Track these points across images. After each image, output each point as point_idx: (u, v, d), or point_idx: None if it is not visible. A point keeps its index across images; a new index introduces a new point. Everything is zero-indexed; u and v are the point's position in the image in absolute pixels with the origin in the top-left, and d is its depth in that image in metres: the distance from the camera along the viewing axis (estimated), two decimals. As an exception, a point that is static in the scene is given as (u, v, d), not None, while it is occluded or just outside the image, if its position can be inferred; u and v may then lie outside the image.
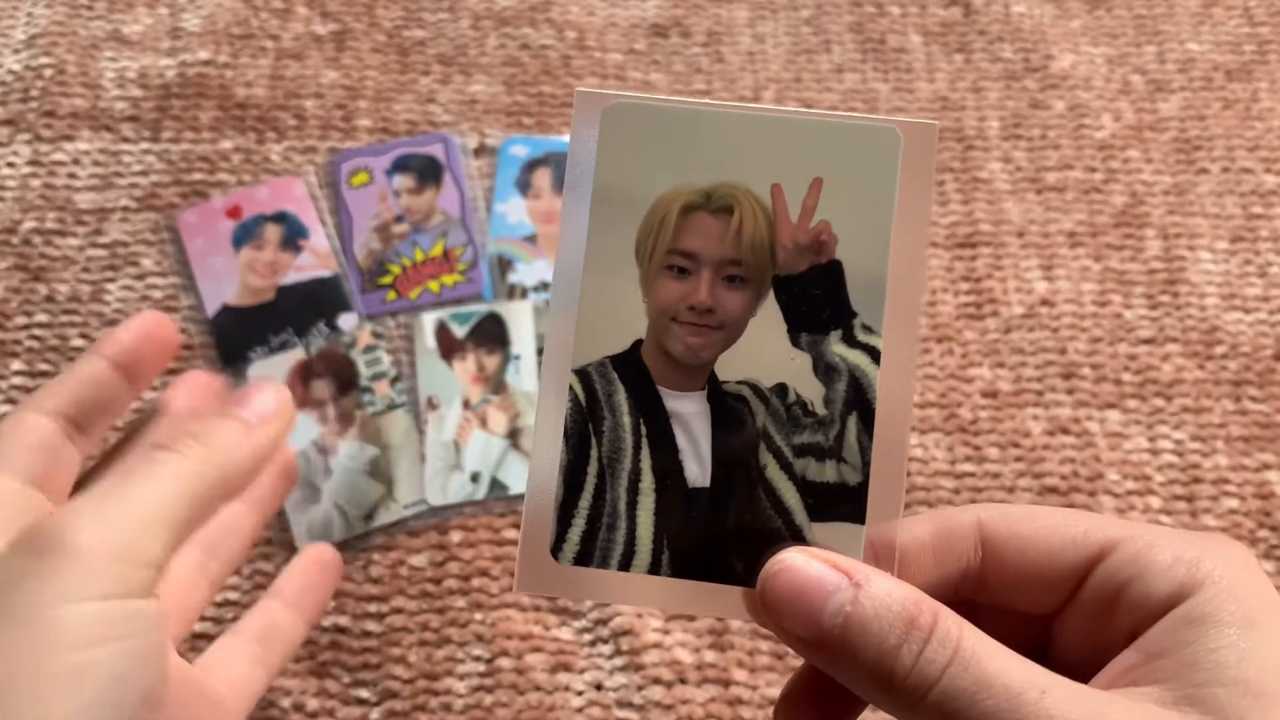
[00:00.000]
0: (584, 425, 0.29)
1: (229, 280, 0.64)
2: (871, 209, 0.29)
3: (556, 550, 0.28)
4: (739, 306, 0.29)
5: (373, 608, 0.55)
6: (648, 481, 0.29)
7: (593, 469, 0.29)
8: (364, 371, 0.61)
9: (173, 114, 0.69)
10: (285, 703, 0.53)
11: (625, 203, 0.29)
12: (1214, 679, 0.25)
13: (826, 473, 0.28)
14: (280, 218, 0.66)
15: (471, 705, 0.53)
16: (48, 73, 0.70)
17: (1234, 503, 0.58)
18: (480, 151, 0.68)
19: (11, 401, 0.60)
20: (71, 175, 0.67)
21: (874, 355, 0.28)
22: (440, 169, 0.67)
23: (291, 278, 0.64)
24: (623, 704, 0.53)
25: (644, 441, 0.29)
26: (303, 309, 0.63)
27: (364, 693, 0.53)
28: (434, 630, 0.54)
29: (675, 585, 0.28)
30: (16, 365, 0.61)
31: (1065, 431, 0.60)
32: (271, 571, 0.56)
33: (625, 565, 0.28)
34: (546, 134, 0.69)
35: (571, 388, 0.29)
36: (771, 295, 0.29)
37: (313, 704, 0.53)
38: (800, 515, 0.28)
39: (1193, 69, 0.72)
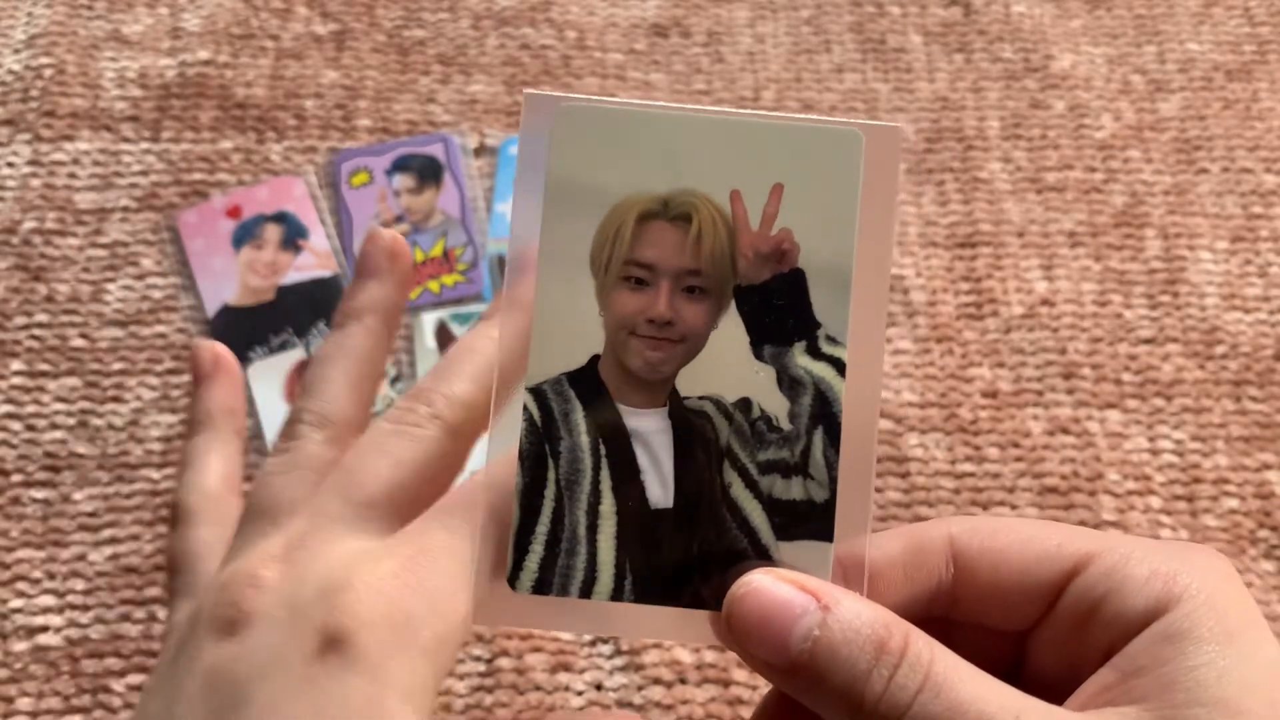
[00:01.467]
0: (540, 446, 0.27)
1: (229, 280, 0.64)
2: (834, 215, 0.28)
3: (514, 579, 0.27)
4: (699, 319, 0.28)
5: (373, 608, 0.55)
6: (608, 504, 0.27)
7: (550, 492, 0.27)
8: (364, 371, 0.61)
9: (173, 114, 0.69)
10: (285, 703, 0.53)
11: (579, 211, 0.28)
12: (1193, 698, 0.24)
13: (793, 490, 0.27)
14: (280, 218, 0.66)
15: (471, 705, 0.53)
16: (48, 73, 0.70)
17: (1234, 503, 0.58)
18: (480, 151, 0.68)
19: (11, 401, 0.60)
20: (71, 175, 0.67)
21: (839, 367, 0.27)
22: (440, 169, 0.67)
23: (291, 278, 0.64)
24: (623, 704, 0.53)
25: (603, 462, 0.28)
26: (303, 309, 0.63)
27: (364, 693, 0.53)
28: (434, 630, 0.54)
29: (639, 611, 0.27)
30: (16, 365, 0.61)
31: (1065, 431, 0.60)
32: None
33: (586, 592, 0.27)
34: (546, 134, 0.69)
35: (526, 407, 0.28)
36: (733, 306, 0.28)
37: (313, 704, 0.53)
38: (766, 534, 0.27)
39: (1193, 69, 0.72)
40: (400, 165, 0.67)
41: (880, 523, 0.57)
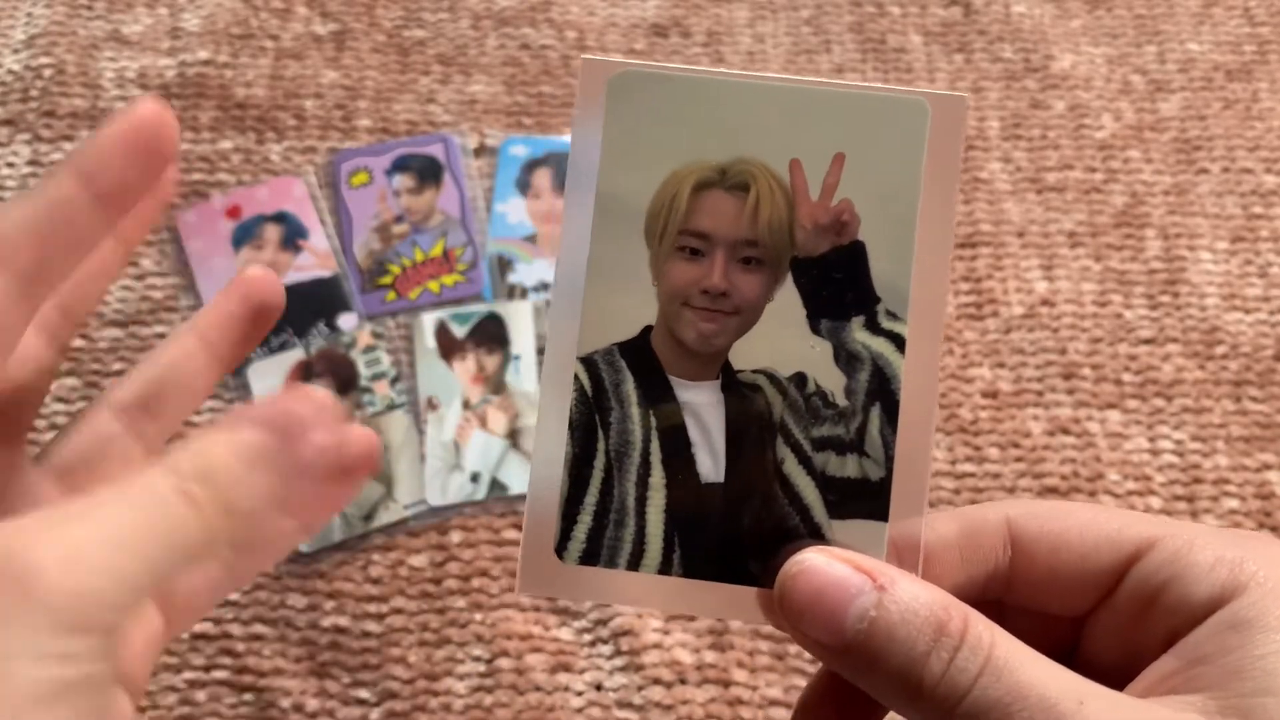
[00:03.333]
0: (590, 417, 0.27)
1: (229, 280, 0.64)
2: (897, 186, 0.27)
3: (561, 549, 0.27)
4: (755, 290, 0.27)
5: (373, 608, 0.55)
6: (658, 476, 0.27)
7: (600, 463, 0.27)
8: (364, 371, 0.61)
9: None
10: (285, 703, 0.53)
11: (634, 180, 0.27)
12: (1262, 688, 0.24)
13: (847, 467, 0.27)
14: (280, 218, 0.66)
15: (471, 705, 0.53)
16: (48, 73, 0.70)
17: (1234, 503, 0.58)
18: (480, 151, 0.68)
19: (11, 401, 0.60)
20: (71, 175, 0.67)
21: (898, 343, 0.27)
22: (440, 169, 0.67)
23: (291, 278, 0.64)
24: (623, 704, 0.53)
25: (654, 434, 0.27)
26: (303, 309, 0.63)
27: (364, 693, 0.53)
28: (434, 630, 0.54)
29: (687, 586, 0.26)
30: (16, 365, 0.61)
31: (1065, 432, 0.60)
32: (272, 573, 0.56)
33: (634, 564, 0.27)
34: (546, 134, 0.69)
35: (577, 377, 0.27)
36: (790, 279, 0.27)
37: (313, 704, 0.53)
38: (819, 512, 0.27)
39: (1193, 69, 0.72)
40: (400, 165, 0.67)
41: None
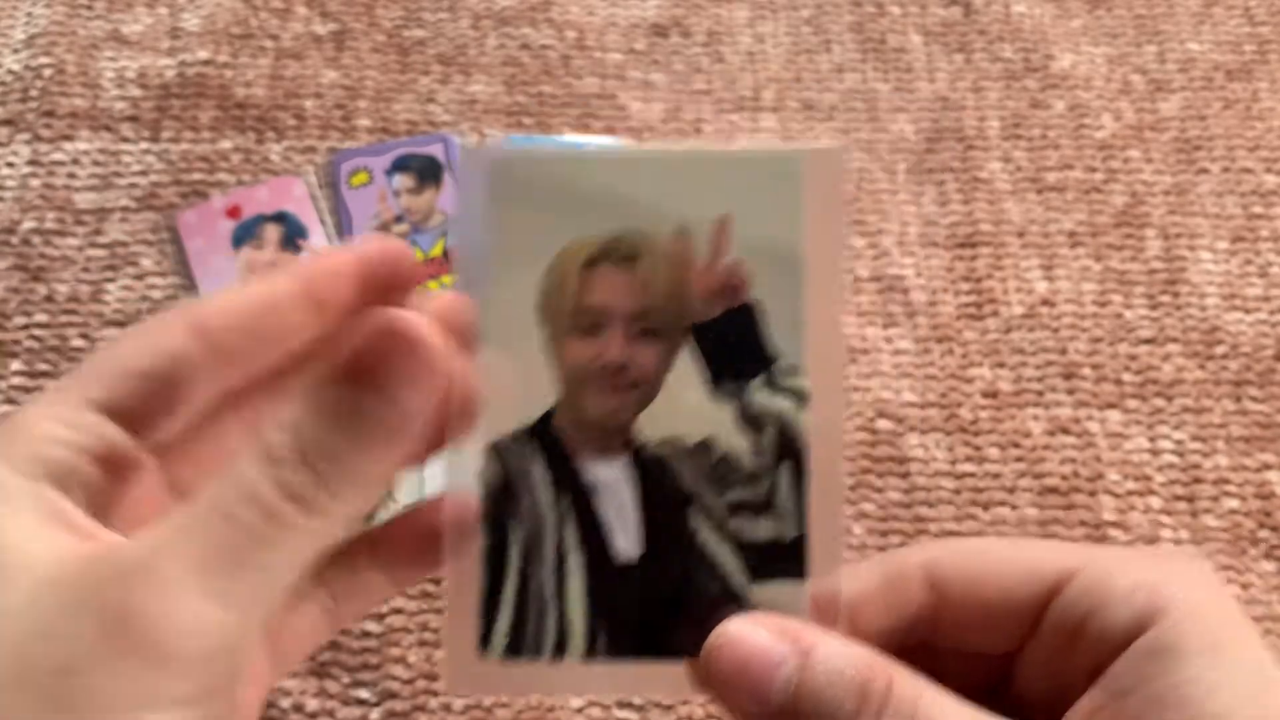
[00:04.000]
0: (500, 507, 0.27)
1: (229, 280, 0.64)
2: (782, 244, 0.27)
3: (484, 645, 0.26)
4: (653, 361, 0.27)
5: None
6: (574, 561, 0.27)
7: (515, 552, 0.27)
8: (364, 371, 0.61)
9: (172, 114, 0.69)
10: (285, 703, 0.53)
11: (523, 262, 0.27)
12: (1185, 717, 0.24)
13: (761, 530, 0.27)
14: (280, 218, 0.66)
15: (471, 705, 0.53)
16: (47, 73, 0.70)
17: (1234, 503, 0.58)
18: (480, 151, 0.68)
19: (11, 402, 0.60)
20: (71, 175, 0.67)
21: (800, 399, 0.27)
22: (440, 169, 0.67)
23: (291, 278, 0.64)
24: (623, 704, 0.53)
25: (566, 518, 0.27)
26: (302, 309, 0.63)
27: (364, 693, 0.53)
28: (434, 630, 0.54)
29: (615, 669, 0.26)
30: (16, 365, 0.61)
31: (1066, 432, 0.60)
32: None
33: (559, 653, 0.26)
34: (546, 134, 0.69)
35: (484, 468, 0.27)
36: (688, 345, 0.27)
37: (312, 704, 0.53)
38: (739, 578, 0.27)
39: (1193, 69, 0.72)
40: (400, 165, 0.67)
41: (881, 522, 0.57)
